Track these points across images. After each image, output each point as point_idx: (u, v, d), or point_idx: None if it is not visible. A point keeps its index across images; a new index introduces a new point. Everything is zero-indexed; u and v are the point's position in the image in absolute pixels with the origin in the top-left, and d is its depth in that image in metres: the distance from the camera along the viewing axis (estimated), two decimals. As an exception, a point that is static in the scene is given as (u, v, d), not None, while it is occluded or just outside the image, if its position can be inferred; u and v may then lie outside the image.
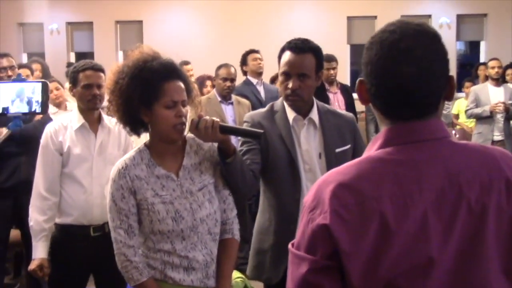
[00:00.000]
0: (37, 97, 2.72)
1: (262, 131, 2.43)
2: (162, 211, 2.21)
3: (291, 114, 2.63)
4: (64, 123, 3.12)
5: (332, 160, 2.51)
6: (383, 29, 1.29)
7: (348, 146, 2.65)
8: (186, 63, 8.46)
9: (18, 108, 2.72)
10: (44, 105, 2.73)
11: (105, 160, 3.10)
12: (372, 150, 1.29)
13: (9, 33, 11.36)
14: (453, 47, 11.18)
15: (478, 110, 6.80)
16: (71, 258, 3.09)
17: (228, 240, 2.39)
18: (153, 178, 2.24)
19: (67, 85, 7.02)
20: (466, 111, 7.18)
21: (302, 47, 2.54)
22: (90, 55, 11.16)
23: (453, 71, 10.98)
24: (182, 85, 2.23)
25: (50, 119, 4.29)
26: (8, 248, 4.57)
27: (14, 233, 4.56)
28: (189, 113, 2.32)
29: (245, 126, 2.67)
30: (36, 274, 3.05)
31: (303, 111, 2.63)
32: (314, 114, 2.64)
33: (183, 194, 2.26)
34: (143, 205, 2.22)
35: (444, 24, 11.12)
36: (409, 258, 1.16)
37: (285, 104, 2.64)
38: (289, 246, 1.29)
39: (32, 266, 3.03)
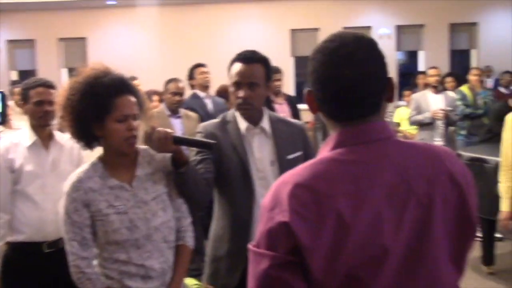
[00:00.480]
0: None
1: (214, 141, 2.49)
2: (116, 221, 2.24)
3: (242, 124, 2.68)
4: (15, 141, 3.09)
5: (284, 167, 2.55)
6: (325, 40, 1.38)
7: (299, 153, 2.72)
8: (133, 78, 8.46)
9: None
10: (3, 115, 2.71)
11: (58, 176, 3.09)
12: (324, 151, 1.38)
13: None
14: (393, 57, 11.53)
15: (420, 117, 7.02)
16: (24, 275, 3.05)
17: (180, 247, 2.44)
18: (106, 190, 2.28)
19: (11, 103, 6.96)
20: (409, 118, 7.41)
21: (251, 57, 2.62)
22: (32, 73, 10.97)
23: (395, 80, 11.30)
24: (133, 99, 2.28)
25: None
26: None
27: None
28: (142, 126, 2.35)
29: (198, 136, 2.71)
30: None
31: (254, 120, 2.69)
32: (265, 123, 2.71)
33: (137, 204, 2.29)
34: (97, 216, 2.25)
35: (384, 35, 11.47)
36: (365, 250, 1.24)
37: (236, 114, 2.71)
38: (249, 246, 1.34)
39: None
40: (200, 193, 2.52)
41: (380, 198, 1.27)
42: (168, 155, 2.40)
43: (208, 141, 2.49)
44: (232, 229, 2.66)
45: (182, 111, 5.41)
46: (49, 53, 11.28)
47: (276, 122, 2.75)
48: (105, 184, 2.28)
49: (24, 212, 3.05)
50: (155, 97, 6.53)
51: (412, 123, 7.31)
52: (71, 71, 11.53)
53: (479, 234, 5.91)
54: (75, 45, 11.39)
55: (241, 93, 2.59)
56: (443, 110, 6.81)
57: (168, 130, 2.32)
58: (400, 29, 11.64)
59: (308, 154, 2.71)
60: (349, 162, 1.31)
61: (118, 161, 2.32)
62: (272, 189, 1.33)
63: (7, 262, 3.07)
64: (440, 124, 6.93)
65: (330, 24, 10.47)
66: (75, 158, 3.19)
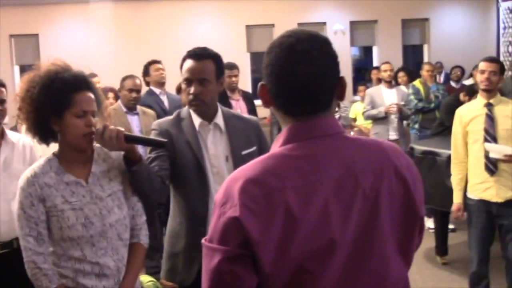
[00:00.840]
0: None
1: (166, 140, 2.52)
2: (72, 217, 2.25)
3: (196, 120, 2.71)
4: None
5: (238, 163, 2.54)
6: (281, 35, 1.42)
7: (253, 148, 2.76)
8: (94, 75, 8.36)
9: None
10: None
11: (10, 175, 3.05)
12: (276, 147, 1.42)
13: None
14: (347, 53, 11.66)
15: (374, 112, 7.15)
16: None
17: (134, 245, 2.45)
18: (62, 185, 2.28)
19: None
20: (363, 113, 7.53)
21: (201, 54, 2.66)
22: (-17, 70, 10.70)
23: (349, 75, 11.47)
24: (92, 96, 2.31)
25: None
26: None
27: None
28: (98, 124, 2.36)
29: (153, 134, 2.73)
30: None
31: (208, 116, 2.72)
32: (219, 119, 2.74)
33: (93, 200, 2.30)
34: (52, 212, 2.25)
35: (338, 30, 11.59)
36: (313, 242, 1.28)
37: (191, 111, 2.73)
38: (202, 241, 1.37)
39: None
40: (154, 191, 2.53)
41: (327, 192, 1.32)
42: (122, 153, 2.41)
43: (161, 139, 2.52)
44: (188, 225, 2.69)
45: (139, 108, 5.38)
46: (0, 50, 11.01)
47: (230, 118, 2.79)
48: (61, 179, 2.29)
49: None
50: (111, 94, 6.47)
51: (367, 117, 7.44)
52: (23, 68, 11.30)
53: (432, 225, 6.06)
54: (27, 42, 11.14)
55: (192, 90, 2.63)
56: (396, 104, 6.95)
57: (120, 128, 2.34)
58: (354, 25, 11.78)
59: (263, 149, 2.75)
60: (298, 156, 1.35)
61: (74, 157, 2.33)
62: (224, 185, 1.36)
63: None
64: (393, 118, 7.07)
65: (285, 20, 10.54)
66: (27, 158, 3.15)
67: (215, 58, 2.69)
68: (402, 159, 1.45)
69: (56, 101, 2.23)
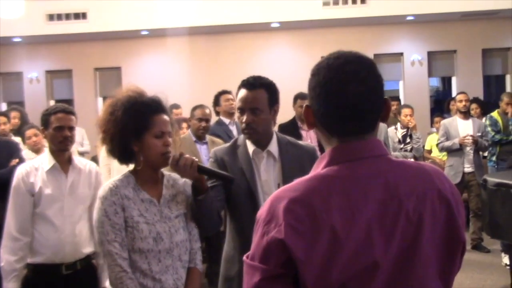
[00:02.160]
0: None
1: (234, 177, 2.61)
2: (145, 230, 2.38)
3: (251, 148, 2.77)
4: (36, 165, 3.22)
5: None
6: (328, 57, 1.45)
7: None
8: (177, 106, 8.65)
9: None
10: None
11: (76, 199, 3.20)
12: (319, 168, 1.43)
13: (-11, 83, 11.47)
14: (425, 83, 11.46)
15: (448, 143, 6.97)
16: None
17: (192, 269, 2.56)
18: (138, 201, 2.44)
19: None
20: (437, 144, 7.36)
21: (253, 83, 2.73)
22: (70, 102, 11.25)
23: (426, 106, 11.24)
24: (167, 118, 2.50)
25: (26, 164, 4.39)
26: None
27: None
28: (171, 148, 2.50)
29: (209, 162, 2.83)
30: None
31: (261, 144, 2.77)
32: (273, 146, 2.79)
33: (163, 219, 2.45)
34: (128, 222, 2.38)
35: (416, 61, 11.41)
36: (356, 263, 1.28)
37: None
38: (244, 258, 1.39)
39: None
40: (211, 222, 2.63)
41: (371, 214, 1.32)
42: (188, 181, 2.54)
43: (229, 175, 2.60)
44: (241, 250, 2.71)
45: (208, 137, 5.49)
46: (85, 82, 11.56)
47: (286, 145, 2.83)
48: (137, 195, 2.44)
49: (43, 234, 3.14)
50: (184, 125, 6.64)
51: (441, 149, 7.27)
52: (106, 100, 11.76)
53: (508, 261, 5.79)
54: (110, 75, 11.65)
55: (244, 119, 2.70)
56: (471, 136, 6.75)
57: (195, 158, 2.46)
58: (432, 55, 11.57)
59: None
60: (343, 178, 1.36)
61: (150, 176, 2.50)
62: (268, 203, 1.38)
63: (27, 283, 3.17)
64: (469, 150, 6.86)
65: (361, 51, 10.44)
66: (93, 182, 3.29)
67: (268, 87, 2.75)
68: (446, 182, 1.45)
69: (138, 122, 2.41)
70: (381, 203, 1.33)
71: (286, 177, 2.72)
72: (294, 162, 2.78)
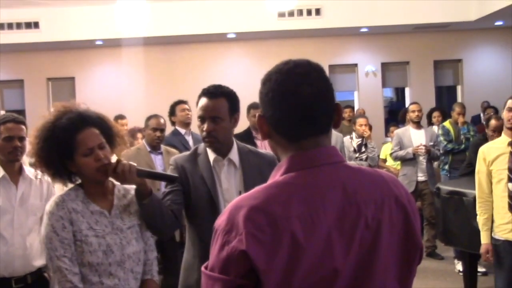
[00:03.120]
0: None
1: (177, 175, 2.57)
2: (95, 243, 2.32)
3: (211, 156, 2.77)
4: None
5: None
6: (277, 65, 1.45)
7: None
8: (122, 117, 8.50)
9: None
10: None
11: (26, 211, 3.10)
12: (277, 176, 1.41)
13: None
14: (379, 94, 11.67)
15: (402, 153, 7.08)
16: None
17: (148, 281, 2.51)
18: (88, 213, 2.37)
19: None
20: (391, 153, 7.46)
21: (214, 92, 2.72)
22: (21, 112, 10.99)
23: (380, 116, 11.42)
24: (94, 130, 2.40)
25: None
26: None
27: None
28: (110, 154, 2.45)
29: (169, 169, 2.81)
30: None
31: (222, 152, 2.77)
32: (234, 154, 2.79)
33: (114, 231, 2.39)
34: (77, 236, 2.32)
35: (369, 72, 11.60)
36: (317, 271, 1.28)
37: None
38: (202, 268, 1.36)
39: None
40: (166, 226, 2.60)
41: (331, 220, 1.31)
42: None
43: (172, 174, 2.57)
44: (201, 258, 2.69)
45: (163, 147, 5.43)
46: (37, 92, 11.34)
47: (246, 154, 2.84)
48: (86, 208, 2.39)
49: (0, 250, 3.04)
50: (139, 135, 6.58)
51: (395, 158, 7.37)
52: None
53: (460, 268, 5.89)
54: (63, 85, 11.47)
55: (205, 127, 2.68)
56: (424, 145, 6.87)
57: (132, 163, 2.41)
58: (385, 66, 11.78)
59: None
60: (301, 185, 1.35)
61: (95, 189, 2.44)
62: (226, 212, 1.35)
63: None
64: (422, 159, 6.97)
65: (317, 61, 10.54)
66: (44, 193, 3.20)
67: (229, 95, 2.74)
68: (402, 189, 1.46)
69: (61, 148, 2.35)
70: (340, 210, 1.33)
71: (248, 185, 2.70)
72: (254, 170, 2.79)
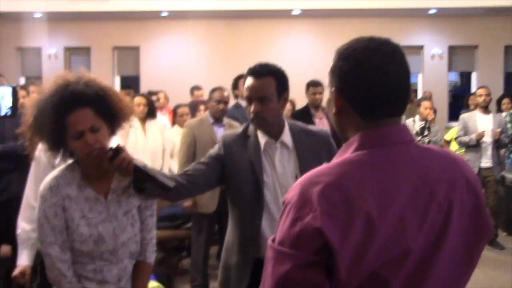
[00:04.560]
0: (7, 101, 2.82)
1: (173, 184, 2.40)
2: (86, 233, 2.24)
3: (262, 139, 2.66)
4: None
5: None
6: (360, 41, 1.40)
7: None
8: (197, 88, 8.61)
9: None
10: (14, 109, 2.83)
11: None
12: (347, 153, 1.39)
13: (8, 57, 11.50)
14: (445, 77, 11.38)
15: (465, 139, 6.91)
16: None
17: (139, 263, 2.41)
18: (82, 200, 2.27)
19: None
20: (455, 138, 7.30)
21: (260, 71, 2.59)
22: (87, 79, 11.25)
23: (445, 100, 11.15)
24: (87, 111, 2.19)
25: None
26: (0, 263, 4.64)
27: (6, 250, 4.64)
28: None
29: (217, 145, 2.72)
30: (18, 280, 3.08)
31: (273, 134, 2.66)
32: (286, 136, 2.68)
33: (108, 218, 2.29)
34: (69, 223, 2.25)
35: (436, 55, 11.32)
36: (390, 249, 1.26)
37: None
38: (269, 241, 1.34)
39: (15, 272, 3.06)
40: (178, 195, 2.59)
41: (404, 200, 1.30)
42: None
43: (168, 183, 2.37)
44: (239, 243, 2.69)
45: (226, 120, 5.46)
46: (103, 60, 11.57)
47: (299, 134, 2.72)
48: (81, 193, 2.27)
49: None
50: (202, 107, 6.62)
51: (459, 144, 7.20)
52: (123, 78, 11.82)
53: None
54: (128, 54, 11.66)
55: (252, 108, 2.57)
56: (493, 131, 6.69)
57: (132, 158, 2.27)
58: (452, 49, 11.47)
59: None
60: (375, 164, 1.33)
61: (92, 170, 2.29)
62: (298, 187, 1.33)
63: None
64: (488, 145, 6.79)
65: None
66: None
67: (276, 74, 2.62)
68: (471, 171, 1.45)
69: (51, 128, 2.19)
70: (413, 189, 1.31)
71: (303, 168, 2.61)
72: (309, 151, 2.68)
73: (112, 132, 2.30)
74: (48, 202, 2.23)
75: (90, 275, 2.28)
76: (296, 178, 2.60)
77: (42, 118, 2.20)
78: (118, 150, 2.21)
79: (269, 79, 2.58)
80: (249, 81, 2.59)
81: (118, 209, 2.31)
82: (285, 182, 2.63)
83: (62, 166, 2.33)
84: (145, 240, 2.40)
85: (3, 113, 2.86)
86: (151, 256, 2.43)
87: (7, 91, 2.86)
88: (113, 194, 2.31)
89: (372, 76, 1.36)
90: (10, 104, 2.85)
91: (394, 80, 1.36)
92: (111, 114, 2.26)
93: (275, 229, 1.31)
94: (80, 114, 2.17)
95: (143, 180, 2.30)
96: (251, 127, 2.71)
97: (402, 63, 1.38)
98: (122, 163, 2.21)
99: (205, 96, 7.05)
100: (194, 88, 8.57)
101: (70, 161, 2.33)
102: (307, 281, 1.26)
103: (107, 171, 2.30)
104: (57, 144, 2.23)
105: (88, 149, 2.17)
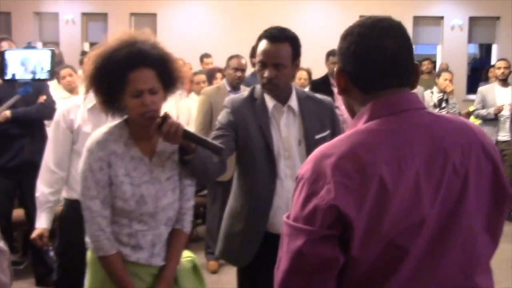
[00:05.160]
0: (45, 65, 2.82)
1: (223, 146, 2.37)
2: (128, 191, 2.23)
3: (270, 102, 2.64)
4: (78, 102, 3.20)
5: (311, 147, 2.43)
6: (358, 20, 1.44)
7: (327, 132, 2.67)
8: (207, 55, 8.59)
9: (25, 74, 2.83)
10: (51, 72, 2.83)
11: None
12: (359, 124, 1.39)
13: (25, 22, 11.53)
14: (464, 49, 11.23)
15: (483, 112, 6.86)
16: (77, 231, 3.15)
17: (177, 232, 2.39)
18: (128, 158, 2.26)
19: (80, 72, 7.19)
20: (473, 111, 7.24)
21: (278, 36, 2.54)
22: (104, 46, 11.26)
23: (463, 72, 11.02)
24: (150, 72, 2.19)
25: (54, 103, 4.44)
26: (15, 228, 4.73)
27: (21, 213, 4.73)
28: (169, 102, 2.28)
29: (225, 111, 2.67)
30: (36, 242, 3.15)
31: (281, 98, 2.64)
32: (293, 101, 2.66)
33: (151, 180, 2.27)
34: (112, 180, 2.24)
35: (456, 26, 11.16)
36: (405, 217, 1.27)
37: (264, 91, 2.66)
38: (284, 218, 1.35)
39: (33, 235, 3.13)
40: (206, 177, 2.49)
41: (419, 166, 1.30)
42: None
43: (219, 145, 2.35)
44: (250, 207, 2.66)
45: (243, 88, 5.46)
46: (120, 27, 11.41)
47: (305, 100, 2.70)
48: (128, 151, 2.26)
49: (78, 171, 3.16)
50: (219, 75, 6.60)
51: (476, 116, 7.14)
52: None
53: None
54: (145, 20, 11.59)
55: (266, 73, 2.53)
56: (510, 104, 6.62)
57: (180, 123, 2.25)
58: (473, 20, 11.28)
59: (336, 132, 2.65)
60: (387, 131, 1.34)
61: (141, 130, 2.27)
62: (311, 161, 1.34)
63: (62, 217, 3.25)
64: (505, 118, 6.73)
65: (401, 13, 10.20)
66: None
67: (293, 40, 2.57)
68: (487, 138, 1.45)
69: (111, 81, 2.17)
70: (428, 155, 1.31)
71: (307, 134, 2.63)
72: (314, 117, 2.67)
73: (165, 98, 2.29)
74: (95, 155, 2.22)
75: (125, 239, 2.27)
76: (299, 143, 2.63)
77: (104, 70, 2.18)
78: (166, 117, 2.20)
79: (286, 45, 2.54)
80: (265, 45, 2.54)
81: (161, 173, 2.30)
82: (289, 147, 2.63)
83: (111, 124, 2.32)
84: (183, 209, 2.39)
85: (43, 77, 2.85)
86: (188, 226, 2.41)
87: (45, 54, 2.84)
88: (157, 157, 2.31)
89: (367, 51, 1.39)
90: (48, 67, 2.83)
91: (391, 55, 1.38)
92: (169, 80, 2.26)
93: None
94: (144, 73, 2.17)
95: (188, 151, 2.28)
96: (258, 90, 2.67)
97: (400, 37, 1.40)
98: (170, 129, 2.17)
99: (215, 64, 7.02)
100: (204, 56, 8.58)
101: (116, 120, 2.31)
102: (321, 255, 1.27)
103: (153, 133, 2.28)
104: (110, 99, 2.23)
105: (143, 110, 2.17)
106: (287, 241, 1.32)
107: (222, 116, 2.66)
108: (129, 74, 2.15)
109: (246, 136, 2.60)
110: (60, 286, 3.27)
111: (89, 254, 2.35)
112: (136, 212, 2.24)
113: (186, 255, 2.49)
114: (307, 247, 1.27)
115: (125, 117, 2.30)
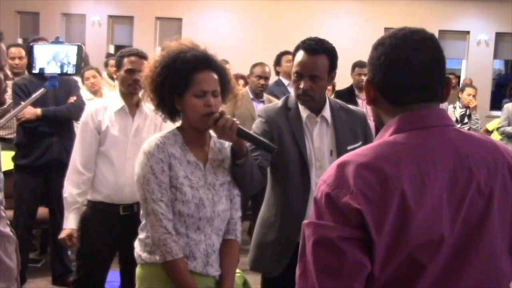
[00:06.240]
0: (72, 59, 2.86)
1: (276, 146, 2.42)
2: (189, 194, 2.23)
3: (304, 112, 2.64)
4: (105, 104, 3.24)
5: None
6: (390, 32, 1.43)
7: (359, 143, 2.66)
8: (225, 62, 8.60)
9: (53, 68, 2.87)
10: (78, 67, 2.87)
11: (139, 143, 3.18)
12: (385, 136, 1.38)
13: (53, 23, 11.68)
14: (489, 65, 11.14)
15: (509, 129, 6.78)
16: (100, 234, 3.20)
17: (231, 242, 2.40)
18: (185, 162, 2.28)
19: (104, 74, 7.25)
20: (498, 128, 7.16)
21: (315, 48, 2.53)
22: (128, 48, 11.36)
23: (488, 88, 10.93)
24: (214, 76, 2.27)
25: (83, 103, 4.48)
26: (35, 225, 4.76)
27: (42, 211, 4.76)
28: (222, 107, 2.34)
29: (259, 121, 2.68)
30: (65, 243, 3.17)
31: (315, 108, 2.65)
32: (327, 111, 2.67)
33: (207, 185, 2.30)
34: (173, 182, 2.23)
35: (482, 41, 11.08)
36: (425, 234, 1.25)
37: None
38: (305, 222, 1.33)
39: (62, 235, 3.16)
40: (253, 185, 2.47)
41: (441, 184, 1.28)
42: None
43: (271, 145, 2.40)
44: (283, 218, 2.65)
45: (265, 96, 5.46)
46: (145, 30, 11.64)
47: (338, 111, 2.71)
48: (184, 156, 2.28)
49: (104, 173, 3.19)
50: (241, 81, 6.62)
51: (501, 134, 7.05)
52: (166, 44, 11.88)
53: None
54: (170, 25, 11.70)
55: (302, 85, 2.53)
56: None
57: (235, 120, 2.29)
58: (500, 36, 11.19)
59: (368, 143, 2.63)
60: (413, 145, 1.32)
61: (195, 137, 2.32)
62: (334, 168, 1.33)
63: (85, 219, 3.26)
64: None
65: (426, 26, 10.03)
66: (157, 129, 3.28)
67: (330, 52, 2.56)
68: None
69: (176, 81, 2.23)
70: (452, 173, 1.29)
71: (339, 144, 2.63)
72: (346, 128, 2.67)
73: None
74: (155, 157, 2.22)
75: (182, 243, 2.25)
76: (331, 153, 2.63)
77: (170, 69, 2.25)
78: (222, 113, 2.26)
79: (323, 57, 2.53)
80: (302, 56, 2.54)
81: (215, 180, 2.33)
82: (321, 156, 2.63)
83: (164, 131, 2.38)
84: (233, 219, 2.40)
85: (70, 71, 2.90)
86: (240, 235, 2.43)
87: (72, 49, 2.88)
88: (210, 164, 2.34)
89: (398, 63, 1.37)
90: (74, 62, 2.87)
91: (422, 69, 1.35)
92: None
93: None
94: (210, 75, 2.26)
95: (240, 155, 2.32)
96: (292, 99, 2.68)
97: (432, 50, 1.38)
98: (226, 123, 2.22)
99: (237, 70, 7.03)
100: (221, 62, 8.54)
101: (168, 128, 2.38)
102: (353, 257, 1.24)
103: (205, 141, 2.36)
104: (166, 101, 2.29)
105: (206, 110, 2.23)
106: (313, 240, 1.28)
107: (256, 126, 2.66)
108: (195, 75, 2.23)
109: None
110: (79, 287, 3.29)
111: (138, 270, 2.33)
112: (195, 216, 2.25)
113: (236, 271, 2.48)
114: (338, 242, 1.24)
115: (177, 124, 2.36)
